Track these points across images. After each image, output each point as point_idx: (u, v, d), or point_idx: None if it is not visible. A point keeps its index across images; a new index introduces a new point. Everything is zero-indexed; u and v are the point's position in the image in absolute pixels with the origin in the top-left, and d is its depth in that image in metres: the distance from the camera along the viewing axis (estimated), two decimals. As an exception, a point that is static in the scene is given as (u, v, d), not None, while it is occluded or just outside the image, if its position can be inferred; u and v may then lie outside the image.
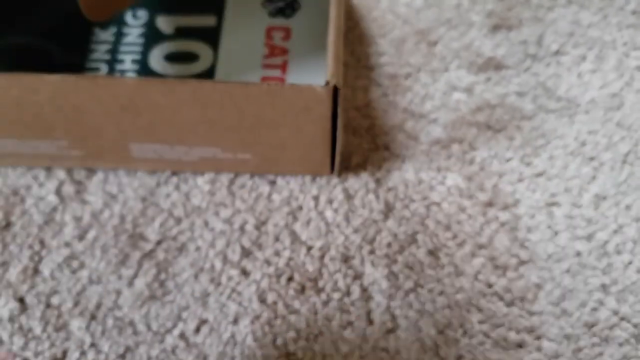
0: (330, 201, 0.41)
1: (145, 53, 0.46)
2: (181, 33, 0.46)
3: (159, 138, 0.38)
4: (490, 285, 0.38)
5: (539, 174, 0.42)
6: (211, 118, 0.37)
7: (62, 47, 0.46)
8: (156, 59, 0.45)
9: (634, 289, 0.38)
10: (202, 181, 0.41)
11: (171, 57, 0.45)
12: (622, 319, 0.37)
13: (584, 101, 0.44)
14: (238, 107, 0.36)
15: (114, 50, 0.46)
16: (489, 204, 0.41)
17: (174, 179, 0.41)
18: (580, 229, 0.40)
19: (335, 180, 0.42)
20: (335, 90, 0.35)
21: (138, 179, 0.41)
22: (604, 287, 0.38)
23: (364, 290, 0.38)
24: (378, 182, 0.41)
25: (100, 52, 0.46)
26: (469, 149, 0.43)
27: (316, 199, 0.41)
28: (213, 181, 0.41)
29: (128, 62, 0.45)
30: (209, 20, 0.47)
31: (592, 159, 0.42)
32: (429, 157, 0.42)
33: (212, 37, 0.46)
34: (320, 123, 0.37)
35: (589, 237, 0.39)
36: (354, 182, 0.41)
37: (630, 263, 0.39)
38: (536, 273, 0.38)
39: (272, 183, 0.42)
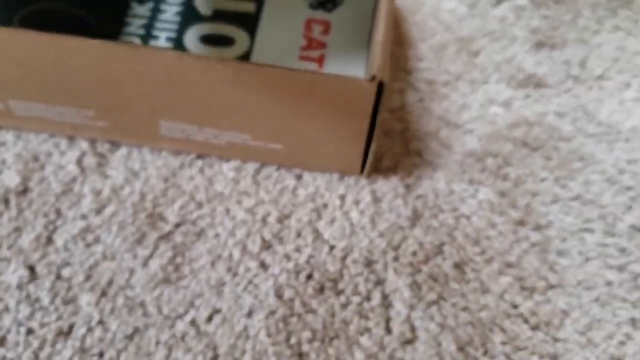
0: (356, 202, 0.40)
1: (180, 32, 0.44)
2: (219, 16, 0.45)
3: (190, 118, 0.37)
4: (515, 306, 0.37)
5: (574, 198, 0.40)
6: (247, 102, 0.36)
7: (97, 17, 0.44)
8: (191, 40, 0.44)
9: (663, 326, 0.36)
10: (227, 168, 0.40)
11: (207, 39, 0.44)
12: (649, 355, 0.36)
13: (625, 128, 0.43)
14: (277, 92, 0.35)
15: (149, 26, 0.45)
16: (521, 223, 0.39)
17: (199, 163, 0.40)
18: (613, 259, 0.38)
19: (363, 181, 0.40)
20: (381, 86, 0.33)
21: (162, 159, 0.40)
22: (633, 321, 0.36)
23: (384, 297, 0.36)
24: (407, 187, 0.40)
25: (135, 26, 0.45)
26: (504, 164, 0.41)
27: (342, 198, 0.40)
28: (238, 169, 0.40)
29: (163, 39, 0.44)
30: (248, 6, 0.45)
31: (629, 188, 0.41)
32: (461, 168, 0.41)
33: (249, 23, 0.45)
34: (358, 118, 0.35)
35: (621, 268, 0.38)
36: (382, 185, 0.40)
37: (661, 298, 0.37)
38: (564, 299, 0.37)
39: (299, 177, 0.40)
